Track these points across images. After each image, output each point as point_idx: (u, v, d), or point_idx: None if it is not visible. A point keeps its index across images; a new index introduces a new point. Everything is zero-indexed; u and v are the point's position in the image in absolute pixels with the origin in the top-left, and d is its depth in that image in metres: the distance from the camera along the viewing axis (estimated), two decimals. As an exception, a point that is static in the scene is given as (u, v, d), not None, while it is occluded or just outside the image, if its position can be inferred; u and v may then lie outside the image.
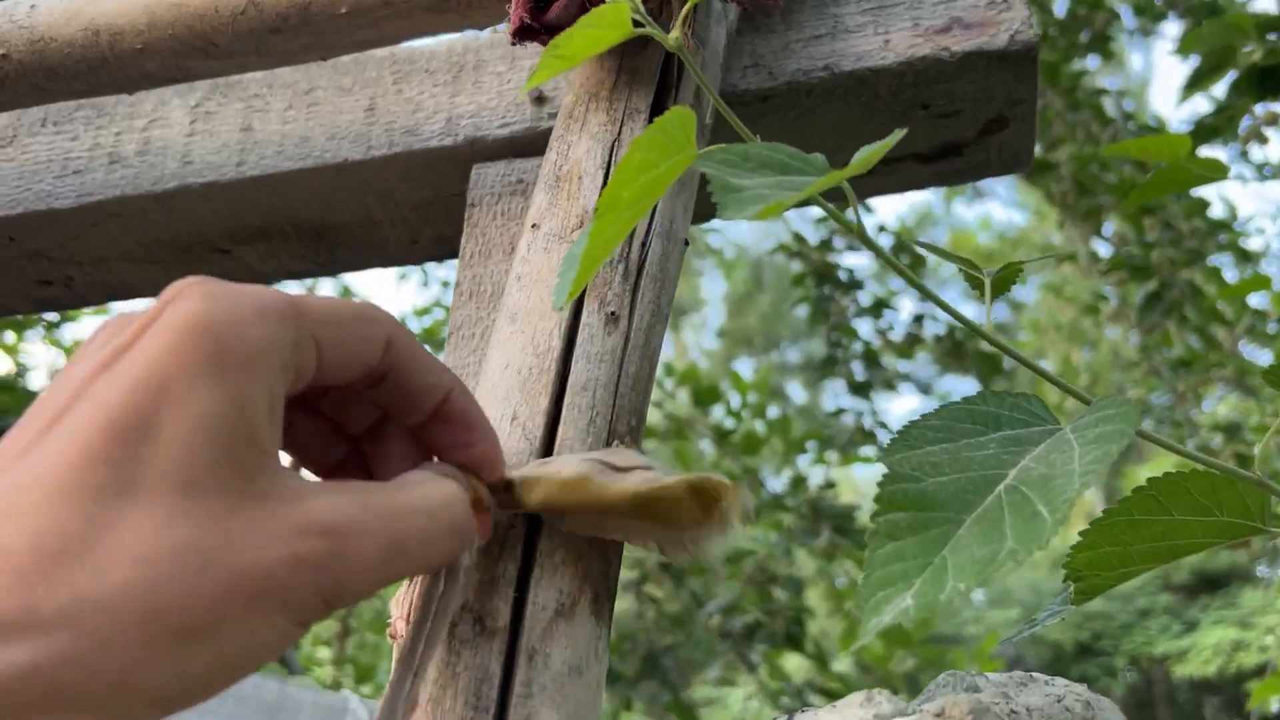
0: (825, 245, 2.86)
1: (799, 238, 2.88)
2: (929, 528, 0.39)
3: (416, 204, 0.78)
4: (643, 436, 0.55)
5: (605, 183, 0.58)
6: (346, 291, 3.56)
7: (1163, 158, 0.98)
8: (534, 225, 0.58)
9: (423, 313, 4.18)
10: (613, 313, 0.55)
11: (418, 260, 0.84)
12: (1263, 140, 1.91)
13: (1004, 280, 0.54)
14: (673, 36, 0.45)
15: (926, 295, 0.50)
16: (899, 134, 0.39)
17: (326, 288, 3.72)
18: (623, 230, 0.43)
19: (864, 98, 0.70)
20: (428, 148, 0.74)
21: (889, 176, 0.76)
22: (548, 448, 0.52)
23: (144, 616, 0.27)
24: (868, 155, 0.39)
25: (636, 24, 0.47)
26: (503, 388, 0.53)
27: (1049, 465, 0.40)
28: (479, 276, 0.69)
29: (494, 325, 0.57)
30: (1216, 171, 1.01)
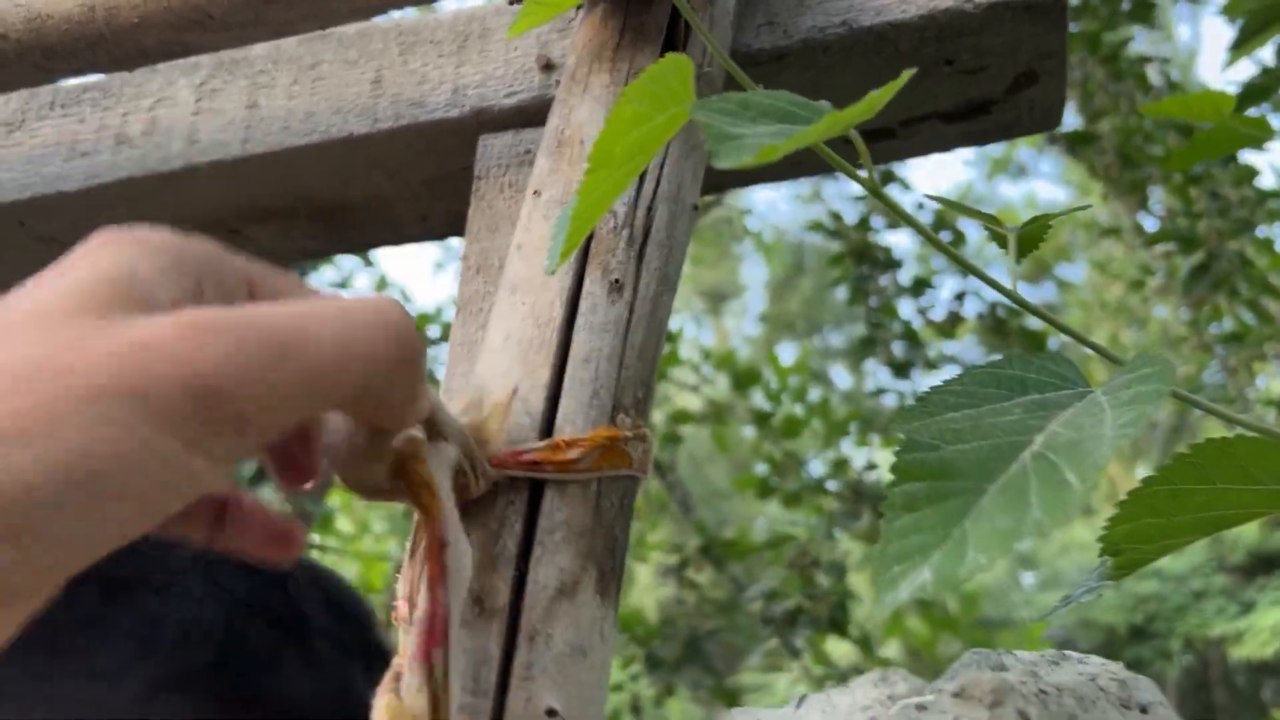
0: (864, 224, 2.82)
1: (836, 216, 2.83)
2: (948, 498, 0.37)
3: (426, 179, 0.76)
4: (650, 410, 0.53)
5: (609, 146, 0.55)
6: (383, 282, 3.57)
7: (1205, 118, 0.93)
8: (535, 192, 0.56)
9: (460, 301, 4.17)
10: (616, 280, 0.52)
11: (430, 237, 0.82)
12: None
13: (1031, 237, 0.51)
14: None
15: (953, 258, 0.47)
16: (908, 74, 0.36)
17: (362, 280, 3.73)
18: (616, 188, 0.41)
19: (884, 54, 0.67)
20: (434, 119, 0.72)
21: (912, 139, 0.73)
22: (549, 423, 0.49)
23: None
24: (875, 97, 0.36)
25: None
26: (503, 361, 0.51)
27: (1078, 430, 0.38)
28: (486, 250, 0.67)
29: (496, 297, 0.55)
30: (1263, 131, 0.96)
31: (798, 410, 3.34)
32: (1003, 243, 0.49)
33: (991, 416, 0.41)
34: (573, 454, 0.47)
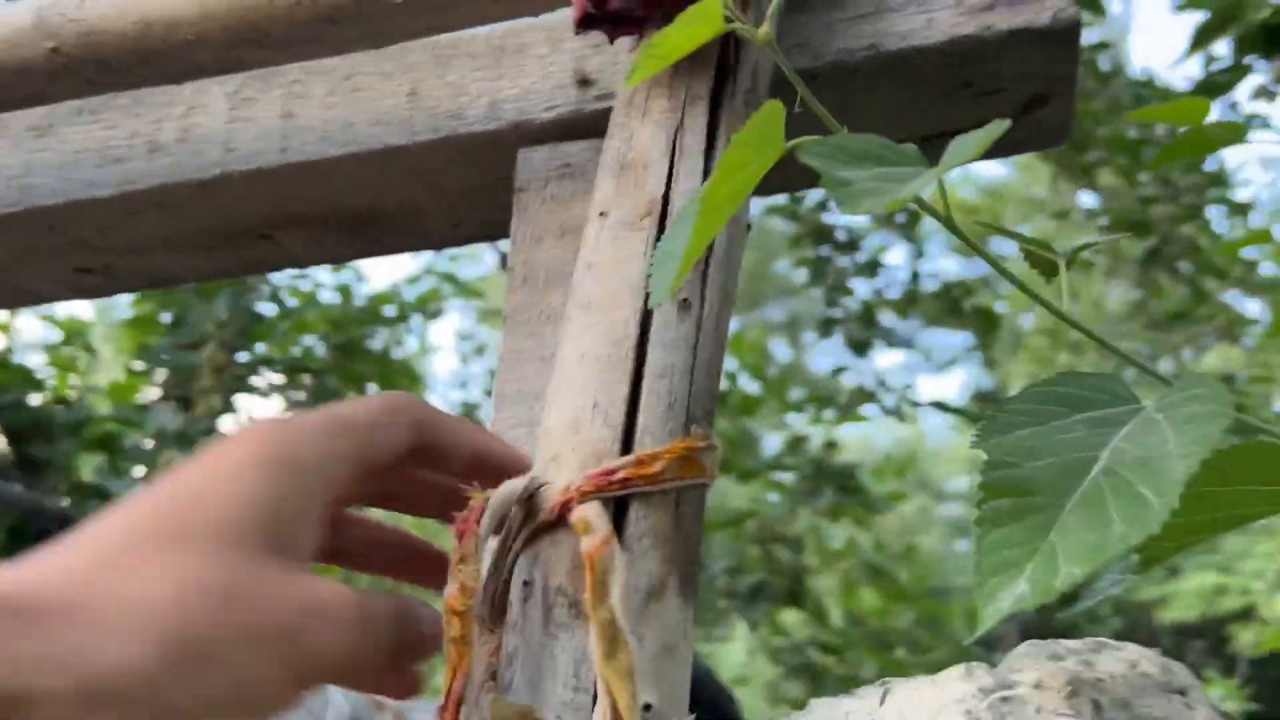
0: (821, 205, 2.87)
1: (795, 198, 2.88)
2: (1032, 513, 0.41)
3: (464, 190, 0.78)
4: (714, 420, 0.57)
5: (670, 170, 0.59)
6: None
7: (1185, 121, 0.99)
8: (601, 213, 0.59)
9: (413, 281, 4.17)
10: (685, 299, 0.56)
11: (459, 243, 0.85)
12: (1271, 97, 1.92)
13: (1070, 264, 0.55)
14: (762, 32, 0.46)
15: (1003, 274, 0.51)
16: (1003, 125, 0.40)
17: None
18: (718, 226, 0.44)
19: (909, 77, 0.71)
20: (472, 132, 0.75)
21: (928, 155, 0.77)
22: (629, 434, 0.53)
23: (168, 635, 0.30)
24: (968, 150, 0.40)
25: (726, 19, 0.47)
26: (580, 378, 0.54)
27: (1144, 447, 0.42)
28: (531, 262, 0.70)
29: (566, 314, 0.58)
30: (1235, 134, 1.02)
31: (754, 389, 3.40)
32: (1048, 270, 0.53)
33: (1057, 433, 0.45)
34: (657, 466, 0.51)
